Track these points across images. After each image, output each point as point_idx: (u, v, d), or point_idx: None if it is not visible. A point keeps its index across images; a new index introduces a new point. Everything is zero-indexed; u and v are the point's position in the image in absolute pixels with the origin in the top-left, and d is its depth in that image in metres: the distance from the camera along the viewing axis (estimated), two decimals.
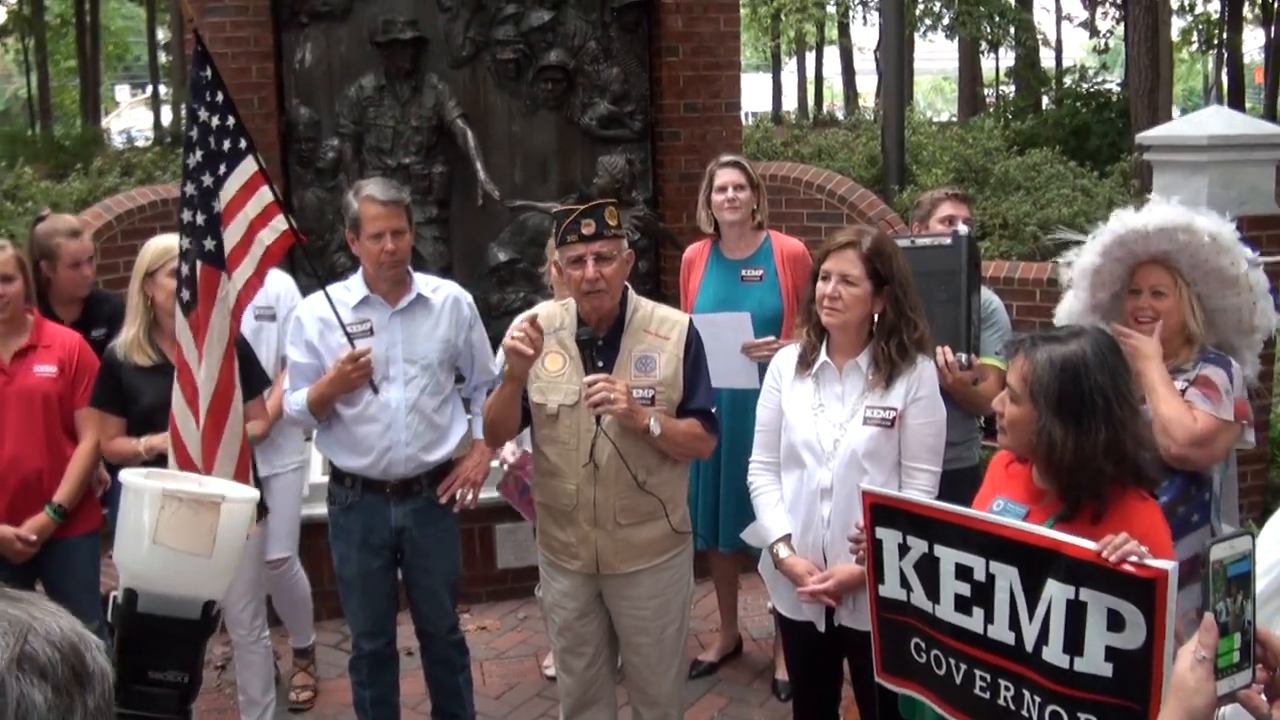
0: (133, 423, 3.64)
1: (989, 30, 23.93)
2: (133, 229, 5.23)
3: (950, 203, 3.95)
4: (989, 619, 2.32)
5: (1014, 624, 2.27)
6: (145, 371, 3.60)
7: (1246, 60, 29.28)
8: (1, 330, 3.72)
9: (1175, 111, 18.27)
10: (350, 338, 3.47)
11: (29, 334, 3.76)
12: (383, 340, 3.54)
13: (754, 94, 32.30)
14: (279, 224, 3.39)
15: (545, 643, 4.38)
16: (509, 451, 4.03)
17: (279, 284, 4.29)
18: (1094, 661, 2.13)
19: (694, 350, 3.19)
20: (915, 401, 2.97)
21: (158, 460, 3.39)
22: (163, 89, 31.29)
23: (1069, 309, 3.32)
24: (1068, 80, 22.60)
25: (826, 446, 3.00)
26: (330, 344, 3.53)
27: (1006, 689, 2.31)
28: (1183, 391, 3.03)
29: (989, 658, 2.34)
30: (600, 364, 3.07)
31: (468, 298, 3.76)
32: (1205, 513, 3.09)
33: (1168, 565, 2.06)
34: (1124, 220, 3.12)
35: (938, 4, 25.27)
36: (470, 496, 3.70)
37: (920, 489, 2.90)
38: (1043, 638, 2.21)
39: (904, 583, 2.53)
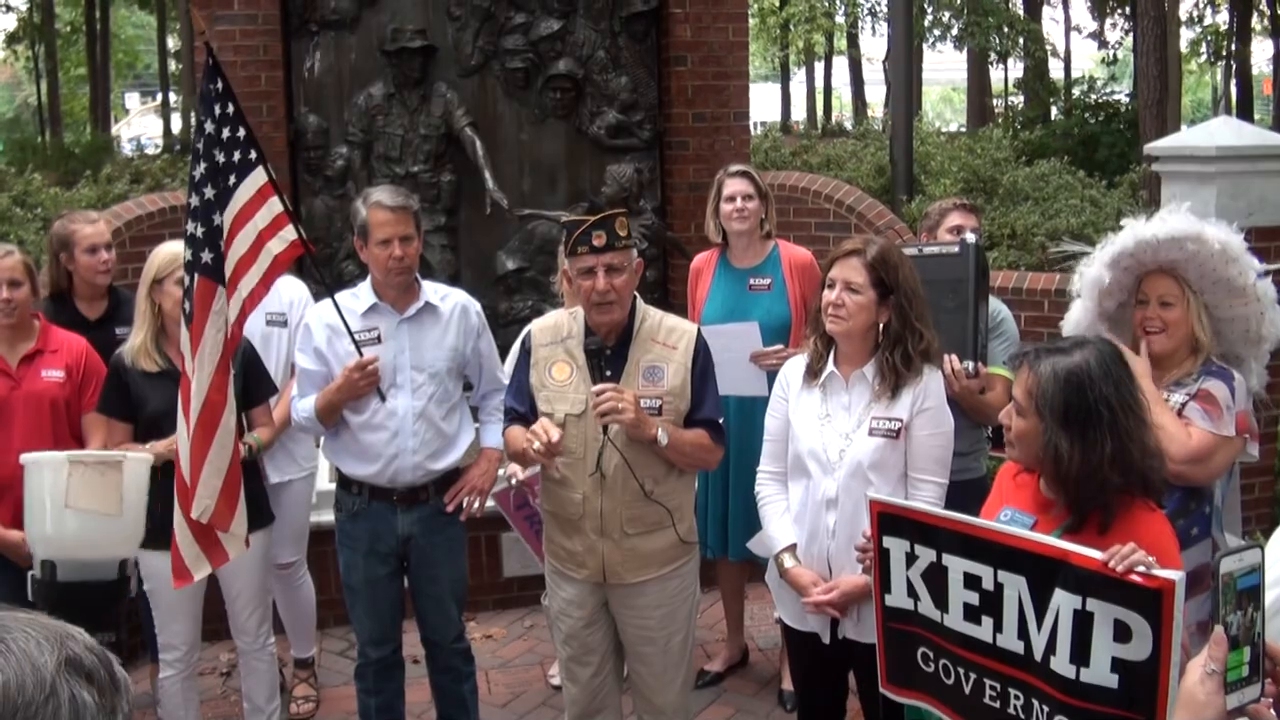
0: (139, 428, 3.65)
1: (998, 41, 23.93)
2: (141, 236, 5.24)
3: (958, 213, 3.95)
4: (998, 628, 2.32)
5: (1023, 633, 2.27)
6: (152, 377, 3.61)
7: (1255, 72, 29.31)
8: (9, 335, 3.74)
9: (1183, 123, 18.25)
10: (358, 345, 3.47)
11: (36, 339, 3.78)
12: (390, 348, 3.54)
13: (762, 104, 32.40)
14: (288, 234, 3.40)
15: (551, 651, 4.37)
16: (520, 469, 3.98)
17: (293, 290, 4.30)
18: (1100, 673, 2.12)
19: (702, 360, 3.19)
20: (922, 412, 2.95)
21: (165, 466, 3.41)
22: (173, 97, 31.48)
23: (1076, 319, 3.31)
24: (1076, 91, 22.65)
25: (832, 457, 2.99)
26: (338, 351, 3.53)
27: (1016, 698, 2.30)
28: (1183, 405, 3.02)
29: (998, 667, 2.33)
30: (608, 373, 3.06)
31: (476, 306, 3.76)
32: (1205, 526, 3.08)
33: (1175, 575, 2.05)
34: (1134, 230, 3.11)
35: (947, 14, 25.27)
36: (477, 505, 3.70)
37: (926, 501, 2.87)
38: (1050, 648, 2.21)
39: (911, 592, 2.52)
